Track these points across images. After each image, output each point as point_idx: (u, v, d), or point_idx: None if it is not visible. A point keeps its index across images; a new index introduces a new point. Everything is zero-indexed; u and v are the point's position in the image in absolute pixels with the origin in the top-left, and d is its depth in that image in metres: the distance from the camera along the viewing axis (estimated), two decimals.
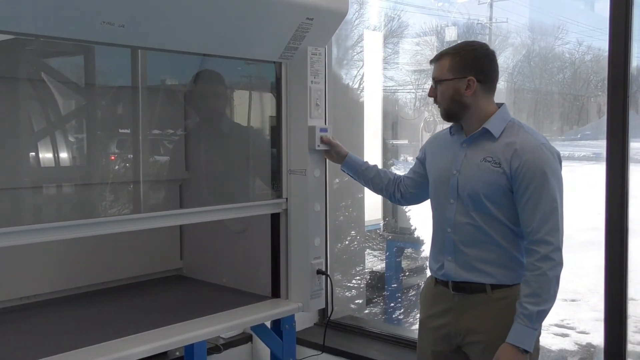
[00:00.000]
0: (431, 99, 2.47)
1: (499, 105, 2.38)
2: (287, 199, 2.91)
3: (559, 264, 2.22)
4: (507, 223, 2.28)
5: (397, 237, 6.09)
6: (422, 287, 2.67)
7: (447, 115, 2.37)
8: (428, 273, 2.55)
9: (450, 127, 2.44)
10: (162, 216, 2.58)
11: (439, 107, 2.37)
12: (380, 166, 2.92)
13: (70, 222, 2.34)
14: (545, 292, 2.20)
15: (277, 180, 2.87)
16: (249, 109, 3.23)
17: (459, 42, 2.40)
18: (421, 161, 2.62)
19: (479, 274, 2.32)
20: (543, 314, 2.21)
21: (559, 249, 2.22)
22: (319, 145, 2.81)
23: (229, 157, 3.23)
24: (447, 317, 2.42)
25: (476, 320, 2.34)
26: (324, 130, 2.83)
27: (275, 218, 2.98)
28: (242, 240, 3.22)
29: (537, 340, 2.34)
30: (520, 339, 2.21)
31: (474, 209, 2.28)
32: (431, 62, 2.39)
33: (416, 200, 2.75)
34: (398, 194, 2.75)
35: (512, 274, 2.33)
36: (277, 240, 3.01)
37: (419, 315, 2.63)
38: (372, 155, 5.04)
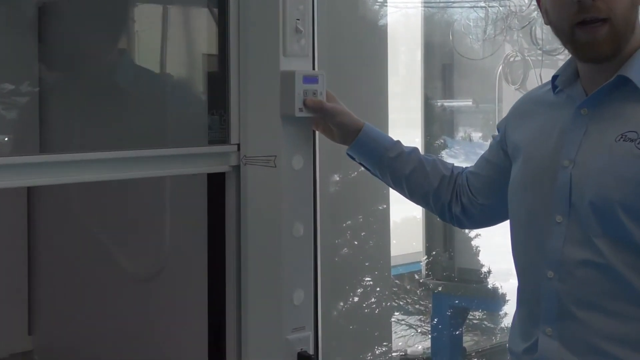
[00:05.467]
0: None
1: None
2: (239, 145, 2.32)
3: None
4: None
5: (454, 288, 5.20)
6: None
7: (613, 42, 1.89)
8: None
9: (554, 79, 1.99)
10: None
11: (595, 28, 1.85)
12: (421, 150, 2.66)
13: None
14: None
15: (224, 114, 2.39)
16: (163, 41, 2.61)
17: None
18: (501, 144, 2.15)
19: None
20: None
21: None
22: (301, 109, 2.22)
23: (132, 131, 2.62)
24: None
25: None
26: (310, 80, 2.23)
27: (215, 189, 2.40)
28: (149, 295, 2.68)
29: None
30: None
31: (603, 232, 1.84)
32: None
33: (490, 217, 2.24)
34: (457, 205, 2.23)
35: None
36: (219, 292, 2.34)
37: None
38: (404, 127, 4.26)
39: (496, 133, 2.21)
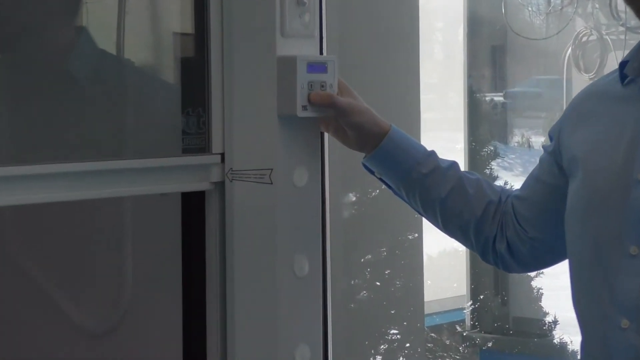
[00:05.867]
0: None
1: None
2: (223, 155, 2.11)
3: None
4: None
5: (509, 344, 4.63)
6: None
7: None
8: None
9: (623, 66, 1.68)
10: None
11: None
12: (463, 166, 2.58)
13: None
14: None
15: (203, 114, 2.14)
16: (121, 16, 2.29)
17: None
18: (554, 156, 1.87)
19: None
20: None
21: None
22: (304, 107, 1.94)
23: (79, 137, 2.23)
24: None
25: None
26: (317, 67, 1.98)
27: (191, 213, 2.16)
28: (103, 355, 2.39)
29: None
30: None
31: None
32: None
33: (544, 256, 1.96)
34: (502, 242, 1.97)
35: None
36: (197, 350, 2.06)
37: None
38: (440, 130, 3.95)
39: (548, 145, 1.90)
